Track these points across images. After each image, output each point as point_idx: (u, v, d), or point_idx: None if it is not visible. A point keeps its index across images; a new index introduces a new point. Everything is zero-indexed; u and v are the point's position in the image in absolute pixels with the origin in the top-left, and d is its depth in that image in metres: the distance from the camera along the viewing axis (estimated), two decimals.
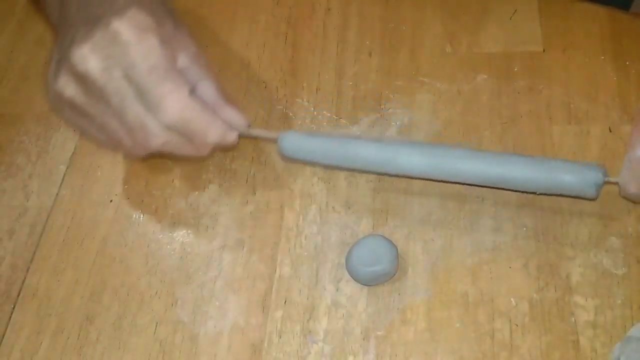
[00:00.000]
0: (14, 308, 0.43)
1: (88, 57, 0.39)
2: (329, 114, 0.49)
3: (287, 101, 0.51)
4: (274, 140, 0.44)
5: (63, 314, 0.43)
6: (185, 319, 0.42)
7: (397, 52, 0.52)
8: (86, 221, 0.46)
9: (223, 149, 0.45)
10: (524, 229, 0.43)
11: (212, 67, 0.44)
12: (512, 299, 0.41)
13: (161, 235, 0.45)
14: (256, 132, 0.45)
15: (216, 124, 0.41)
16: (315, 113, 0.50)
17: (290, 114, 0.50)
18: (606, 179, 0.41)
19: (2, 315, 0.43)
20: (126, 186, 0.48)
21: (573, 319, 0.40)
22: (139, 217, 0.46)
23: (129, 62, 0.39)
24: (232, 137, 0.42)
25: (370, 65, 0.52)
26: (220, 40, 0.55)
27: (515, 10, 0.53)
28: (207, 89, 0.43)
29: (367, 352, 0.40)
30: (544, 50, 0.51)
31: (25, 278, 0.44)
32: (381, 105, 0.49)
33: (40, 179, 0.49)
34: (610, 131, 0.46)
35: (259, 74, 0.52)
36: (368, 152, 0.43)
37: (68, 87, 0.40)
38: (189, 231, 0.45)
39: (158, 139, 0.40)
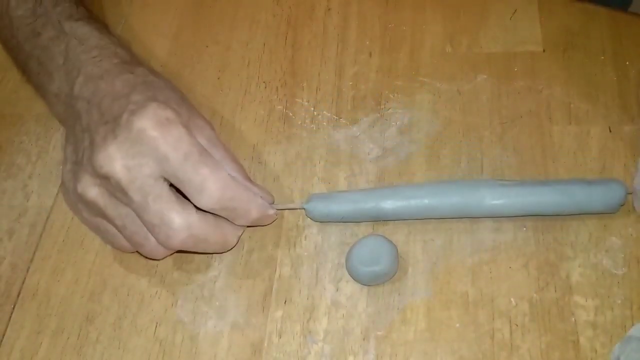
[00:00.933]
0: (14, 308, 0.43)
1: (114, 158, 0.39)
2: (329, 114, 0.49)
3: (287, 101, 0.51)
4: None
5: (63, 314, 0.43)
6: (185, 319, 0.42)
7: (397, 52, 0.52)
8: None
9: (256, 225, 0.44)
10: (524, 229, 0.43)
11: (228, 146, 0.45)
12: (512, 299, 0.41)
13: None
14: (280, 206, 0.45)
15: (257, 199, 0.42)
16: (315, 113, 0.50)
17: (290, 114, 0.50)
18: (627, 192, 0.42)
19: (2, 315, 0.43)
20: None
21: (573, 319, 0.40)
22: None
23: (160, 156, 0.39)
24: (272, 211, 0.43)
25: (370, 65, 0.52)
26: (220, 40, 0.55)
27: (515, 10, 0.53)
28: (230, 168, 0.43)
29: (367, 352, 0.40)
30: (544, 50, 0.51)
31: (25, 278, 0.44)
32: (381, 105, 0.49)
33: (40, 179, 0.49)
34: (610, 131, 0.46)
35: (259, 74, 0.52)
36: (392, 206, 0.43)
37: (91, 190, 0.40)
38: None
39: (183, 232, 0.39)
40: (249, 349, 0.41)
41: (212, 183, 0.39)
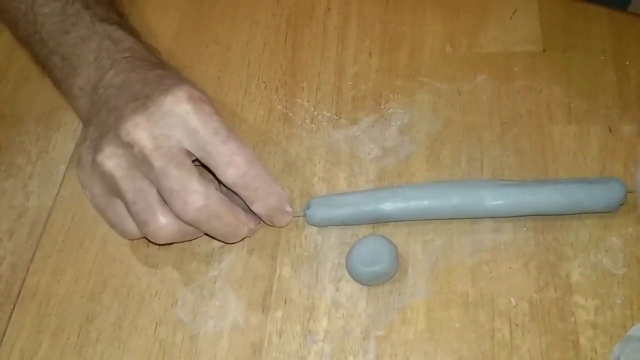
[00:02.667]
0: (14, 308, 0.43)
1: (141, 126, 0.40)
2: (329, 114, 0.49)
3: (287, 101, 0.51)
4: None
5: (63, 314, 0.43)
6: (185, 319, 0.42)
7: (397, 52, 0.52)
8: (86, 221, 0.46)
9: (270, 223, 0.44)
10: (524, 229, 0.43)
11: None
12: (512, 299, 0.41)
13: None
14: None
15: (278, 187, 0.43)
16: (315, 113, 0.50)
17: (290, 114, 0.50)
18: (627, 191, 0.42)
19: (2, 315, 0.43)
20: None
21: (573, 319, 0.40)
22: None
23: (190, 129, 0.40)
24: (288, 208, 0.43)
25: (370, 65, 0.52)
26: (220, 40, 0.55)
27: (515, 10, 0.53)
28: None
29: (367, 352, 0.40)
30: (544, 50, 0.51)
31: (25, 278, 0.44)
32: (381, 105, 0.49)
33: (40, 179, 0.49)
34: (610, 131, 0.46)
35: (259, 74, 0.52)
36: (393, 208, 0.43)
37: (110, 160, 0.41)
38: None
39: (201, 200, 0.39)
40: (249, 349, 0.41)
41: (240, 157, 0.40)
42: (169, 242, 0.42)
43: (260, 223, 0.44)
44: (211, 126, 0.40)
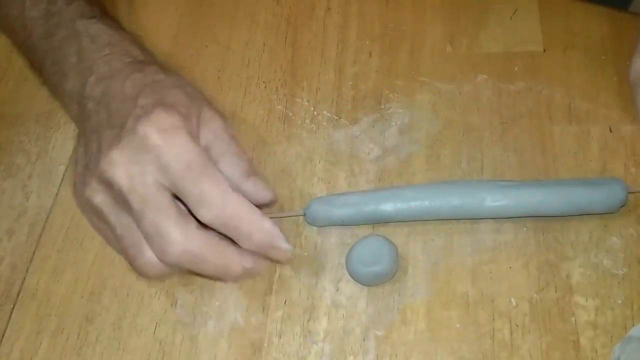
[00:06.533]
0: (13, 308, 0.43)
1: (116, 164, 0.38)
2: (329, 114, 0.49)
3: (287, 101, 0.51)
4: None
5: (63, 314, 0.43)
6: (185, 319, 0.42)
7: (397, 52, 0.52)
8: (86, 221, 0.46)
9: (270, 258, 0.40)
10: (524, 229, 0.43)
11: (237, 137, 0.43)
12: (512, 299, 0.41)
13: None
14: (279, 214, 0.44)
15: (262, 222, 0.38)
16: (315, 113, 0.50)
17: (290, 114, 0.50)
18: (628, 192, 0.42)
19: (2, 315, 0.43)
20: None
21: (573, 319, 0.40)
22: None
23: (162, 165, 0.37)
24: (284, 244, 0.39)
25: (370, 65, 0.52)
26: (220, 40, 0.55)
27: (516, 10, 0.53)
28: (230, 162, 0.41)
29: (367, 352, 0.40)
30: (544, 50, 0.51)
31: (24, 278, 0.44)
32: (381, 105, 0.49)
33: (40, 179, 0.49)
34: (611, 131, 0.46)
35: (259, 74, 0.52)
36: (393, 209, 0.43)
37: (97, 196, 0.39)
38: None
39: (179, 246, 0.37)
40: (249, 349, 0.41)
41: (213, 196, 0.37)
42: (159, 278, 0.41)
43: (263, 261, 0.41)
44: (183, 161, 0.37)
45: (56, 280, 0.44)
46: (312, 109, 0.50)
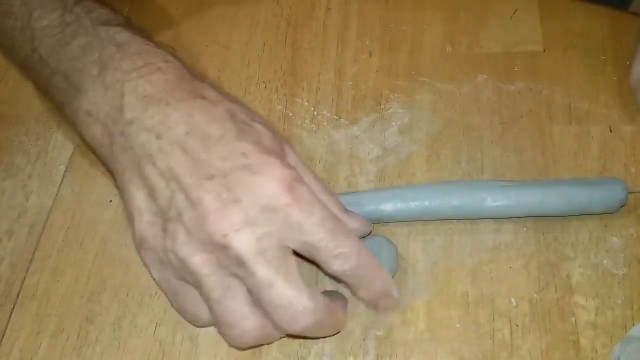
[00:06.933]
0: (13, 308, 0.43)
1: (239, 227, 0.34)
2: (329, 114, 0.49)
3: (287, 101, 0.51)
4: None
5: (63, 314, 0.43)
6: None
7: (397, 52, 0.52)
8: (86, 221, 0.46)
9: (377, 308, 0.41)
10: (524, 229, 0.43)
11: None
12: (512, 299, 0.41)
13: None
14: None
15: (382, 270, 0.38)
16: (315, 113, 0.50)
17: (290, 114, 0.50)
18: (628, 192, 0.42)
19: (2, 315, 0.43)
20: None
21: (573, 319, 0.40)
22: None
23: (293, 224, 0.35)
24: (395, 292, 0.38)
25: (370, 65, 0.52)
26: (220, 40, 0.55)
27: (516, 10, 0.53)
28: (327, 200, 0.38)
29: (367, 352, 0.40)
30: (544, 50, 0.51)
31: (24, 278, 0.44)
32: (381, 105, 0.49)
33: (40, 179, 0.49)
34: (611, 131, 0.46)
35: (259, 74, 0.52)
36: (393, 209, 0.43)
37: (196, 257, 0.35)
38: None
39: (312, 316, 0.35)
40: (249, 349, 0.41)
41: (349, 249, 0.35)
42: (250, 347, 0.39)
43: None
44: (317, 217, 0.35)
45: (56, 280, 0.44)
46: (312, 109, 0.50)
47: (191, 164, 0.35)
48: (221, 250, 0.34)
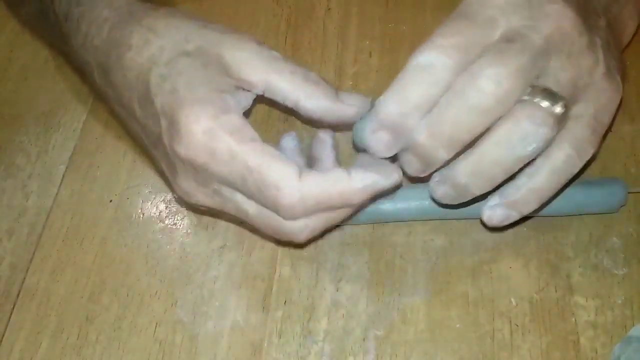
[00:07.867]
0: (13, 308, 0.43)
1: (189, 194, 0.39)
2: None
3: None
4: None
5: (62, 314, 0.43)
6: (185, 319, 0.42)
7: (397, 52, 0.52)
8: (86, 221, 0.46)
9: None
10: (524, 229, 0.43)
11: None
12: (512, 299, 0.41)
13: (161, 236, 0.45)
14: None
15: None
16: None
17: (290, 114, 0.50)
18: (628, 192, 0.42)
19: (2, 315, 0.43)
20: (126, 186, 0.48)
21: (573, 319, 0.40)
22: (139, 217, 0.46)
23: (219, 177, 0.36)
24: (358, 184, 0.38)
25: (370, 65, 0.52)
26: None
27: None
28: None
29: (367, 352, 0.40)
30: None
31: (24, 278, 0.44)
32: None
33: (39, 179, 0.49)
34: (611, 131, 0.46)
35: None
36: (392, 208, 0.43)
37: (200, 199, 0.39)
38: (189, 231, 0.45)
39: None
40: (249, 349, 0.41)
41: (282, 199, 0.35)
42: (304, 215, 0.36)
43: None
44: (237, 173, 0.36)
45: (56, 280, 0.44)
46: None
47: (140, 129, 0.40)
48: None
